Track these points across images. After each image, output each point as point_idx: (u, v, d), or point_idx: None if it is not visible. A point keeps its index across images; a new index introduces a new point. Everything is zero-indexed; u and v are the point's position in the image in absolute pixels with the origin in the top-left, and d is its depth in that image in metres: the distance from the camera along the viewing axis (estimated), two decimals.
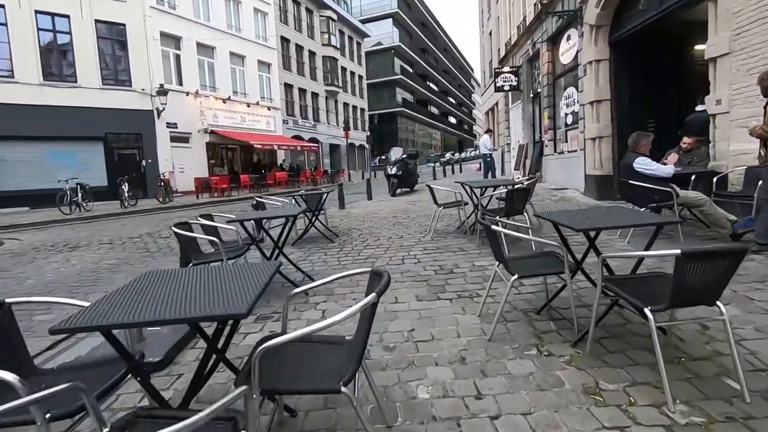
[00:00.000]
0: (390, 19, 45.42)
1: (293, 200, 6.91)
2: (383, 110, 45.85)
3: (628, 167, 4.77)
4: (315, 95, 30.85)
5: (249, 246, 4.14)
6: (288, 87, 27.33)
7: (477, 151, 70.46)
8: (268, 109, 24.52)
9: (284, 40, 26.89)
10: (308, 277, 4.21)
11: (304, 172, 22.41)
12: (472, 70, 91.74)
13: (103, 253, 6.61)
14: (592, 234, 2.61)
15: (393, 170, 12.37)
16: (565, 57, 10.44)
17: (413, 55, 49.80)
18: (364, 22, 40.61)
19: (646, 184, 4.61)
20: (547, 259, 2.92)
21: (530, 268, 2.73)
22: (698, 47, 9.44)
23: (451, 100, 72.17)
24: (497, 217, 4.53)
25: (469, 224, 6.07)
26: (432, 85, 60.30)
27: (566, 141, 10.75)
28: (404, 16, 47.03)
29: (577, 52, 9.52)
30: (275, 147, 21.07)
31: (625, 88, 8.61)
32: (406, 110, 48.37)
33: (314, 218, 6.23)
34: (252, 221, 4.64)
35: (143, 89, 17.85)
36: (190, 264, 3.55)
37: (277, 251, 4.12)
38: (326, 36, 31.60)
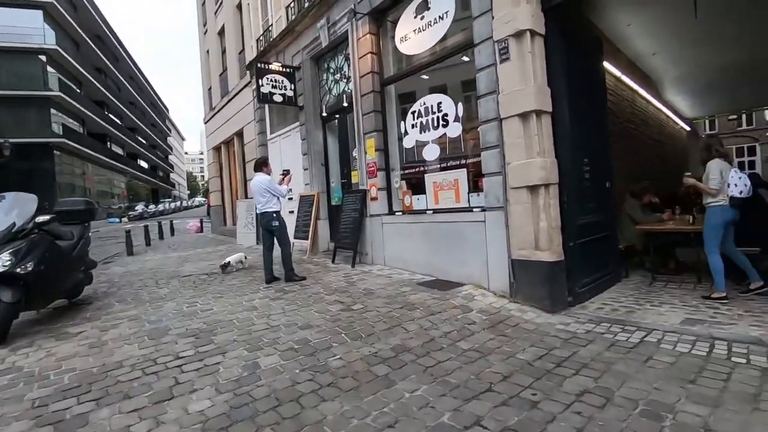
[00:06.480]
0: (39, 11, 31.21)
1: None
2: (29, 139, 30.02)
3: None
4: None
5: None
6: None
7: (177, 203, 58.69)
8: None
9: None
10: None
11: None
12: (167, 110, 79.66)
13: None
14: None
15: (4, 262, 4.07)
16: (416, 43, 5.81)
17: (83, 71, 36.14)
18: None
19: None
20: None
21: None
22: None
23: (142, 140, 58.52)
24: None
25: None
26: (114, 117, 46.37)
27: (422, 192, 5.95)
28: (66, 16, 33.56)
29: (448, 27, 5.03)
30: None
31: (563, 93, 4.57)
32: (71, 143, 33.73)
33: None
34: None
35: None
36: None
37: None
38: None
